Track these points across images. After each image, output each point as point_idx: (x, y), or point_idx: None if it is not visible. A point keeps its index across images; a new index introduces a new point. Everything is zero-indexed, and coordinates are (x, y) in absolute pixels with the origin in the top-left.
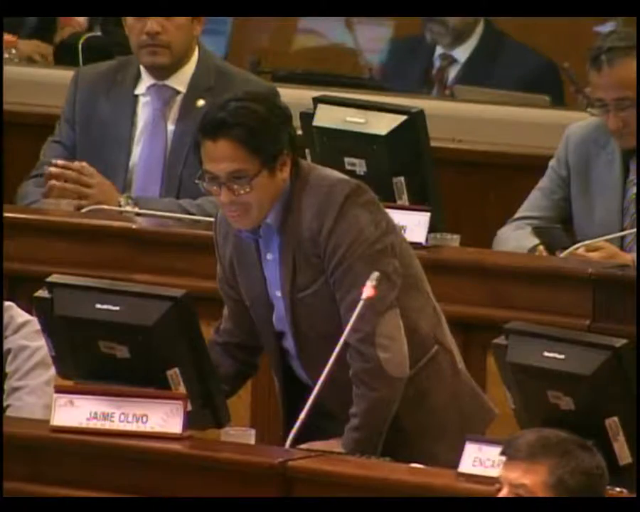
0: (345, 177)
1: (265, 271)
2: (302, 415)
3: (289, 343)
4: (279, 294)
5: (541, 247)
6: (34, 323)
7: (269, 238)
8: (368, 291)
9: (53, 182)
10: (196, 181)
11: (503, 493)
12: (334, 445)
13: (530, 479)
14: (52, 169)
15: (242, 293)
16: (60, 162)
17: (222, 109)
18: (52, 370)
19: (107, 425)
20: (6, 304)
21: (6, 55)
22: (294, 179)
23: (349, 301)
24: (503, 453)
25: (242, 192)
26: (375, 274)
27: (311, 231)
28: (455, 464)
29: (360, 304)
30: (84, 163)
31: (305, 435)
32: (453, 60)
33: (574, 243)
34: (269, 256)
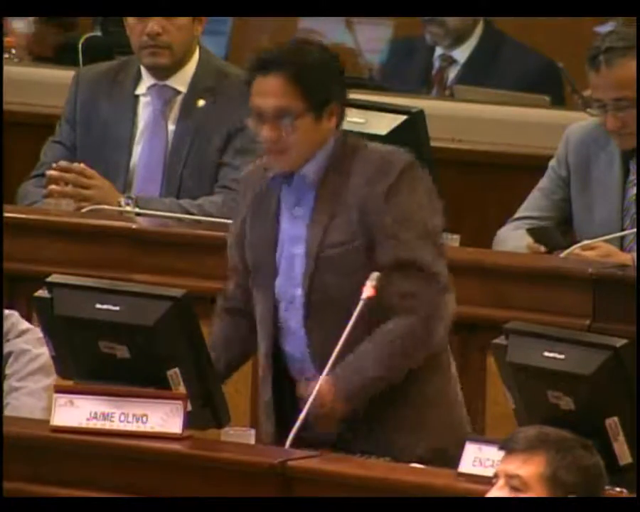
0: (402, 150)
1: (285, 226)
2: (304, 412)
3: (291, 312)
4: (299, 250)
5: (535, 245)
6: (37, 331)
7: (300, 191)
8: (367, 291)
9: (53, 187)
10: (247, 121)
11: (499, 485)
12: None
13: (525, 471)
14: (52, 173)
15: (248, 254)
16: (59, 165)
17: (279, 47)
18: (53, 378)
19: (106, 425)
20: (8, 312)
21: (6, 55)
22: (343, 142)
23: (390, 260)
24: (502, 447)
25: (284, 130)
26: (375, 274)
27: (361, 196)
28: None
29: (360, 304)
30: (82, 165)
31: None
32: (453, 61)
33: (573, 243)
34: (296, 211)
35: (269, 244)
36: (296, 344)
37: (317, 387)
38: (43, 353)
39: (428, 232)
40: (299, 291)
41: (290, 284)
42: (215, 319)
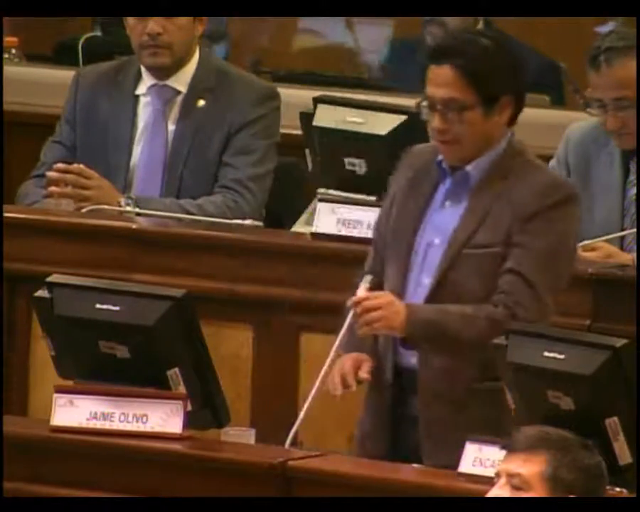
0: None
1: (432, 213)
2: (303, 411)
3: (413, 298)
4: (437, 241)
5: None
6: None
7: (458, 186)
8: (360, 293)
9: (53, 188)
10: (417, 106)
11: (500, 484)
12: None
13: (526, 469)
14: (52, 174)
15: (390, 226)
16: (59, 166)
17: (453, 37)
18: None
19: (106, 425)
20: None
21: (5, 55)
22: (509, 145)
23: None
24: (503, 447)
25: (452, 122)
26: (368, 277)
27: (521, 205)
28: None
29: (351, 313)
30: (81, 166)
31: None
32: None
33: None
34: (447, 203)
35: (413, 225)
36: None
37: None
38: None
39: (557, 268)
40: (427, 281)
41: (419, 271)
42: None
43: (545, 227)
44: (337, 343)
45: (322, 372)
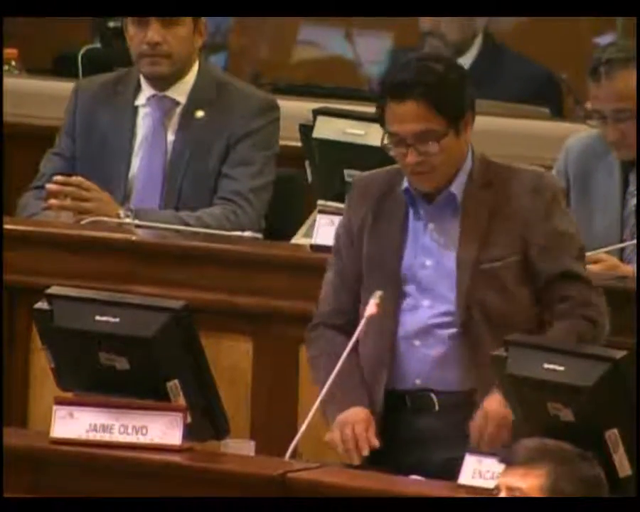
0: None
1: (415, 238)
2: (303, 427)
3: (422, 316)
4: (429, 263)
5: None
6: None
7: (443, 207)
8: (370, 309)
9: (52, 201)
10: (382, 145)
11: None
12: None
13: (526, 483)
14: (51, 186)
15: (365, 255)
16: (58, 178)
17: (405, 69)
18: None
19: (106, 437)
20: None
21: (5, 67)
22: (474, 154)
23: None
24: (502, 460)
25: (430, 153)
26: (378, 293)
27: (523, 208)
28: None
29: (362, 322)
30: (80, 178)
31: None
32: None
33: None
34: (431, 225)
35: (397, 250)
36: (413, 354)
37: (487, 408)
38: None
39: (582, 251)
40: (426, 303)
41: (415, 294)
42: (318, 342)
43: (558, 221)
44: (342, 358)
45: (325, 387)
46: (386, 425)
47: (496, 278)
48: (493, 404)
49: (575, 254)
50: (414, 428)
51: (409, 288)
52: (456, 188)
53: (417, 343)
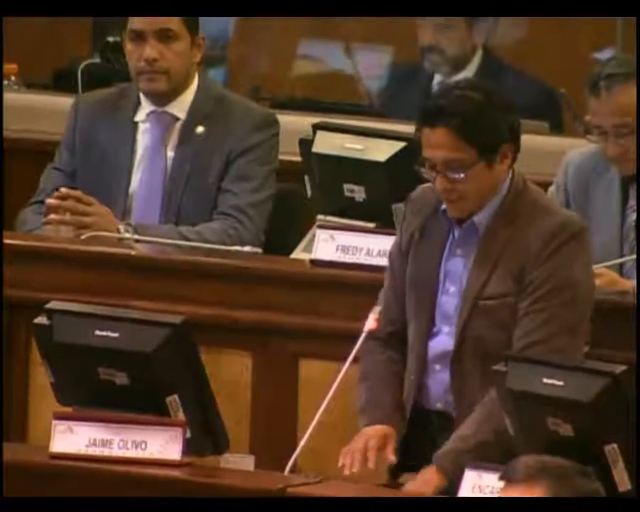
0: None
1: (445, 261)
2: (302, 441)
3: (443, 342)
4: (453, 289)
5: None
6: None
7: (467, 235)
8: (369, 324)
9: (52, 216)
10: (416, 167)
11: None
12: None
13: None
14: (51, 201)
15: (408, 272)
16: (58, 193)
17: (442, 96)
18: None
19: (105, 452)
20: None
21: (5, 82)
22: (511, 185)
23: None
24: (501, 477)
25: (456, 181)
26: (377, 308)
27: (527, 251)
28: None
29: (362, 336)
30: (80, 193)
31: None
32: None
33: None
34: (458, 250)
35: (434, 273)
36: (435, 378)
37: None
38: None
39: (577, 305)
40: (447, 329)
41: (439, 319)
42: (366, 358)
43: (556, 270)
44: (342, 371)
45: (325, 401)
46: (410, 442)
47: (494, 314)
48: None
49: (565, 298)
50: (437, 446)
51: (436, 313)
52: (482, 218)
53: (437, 367)
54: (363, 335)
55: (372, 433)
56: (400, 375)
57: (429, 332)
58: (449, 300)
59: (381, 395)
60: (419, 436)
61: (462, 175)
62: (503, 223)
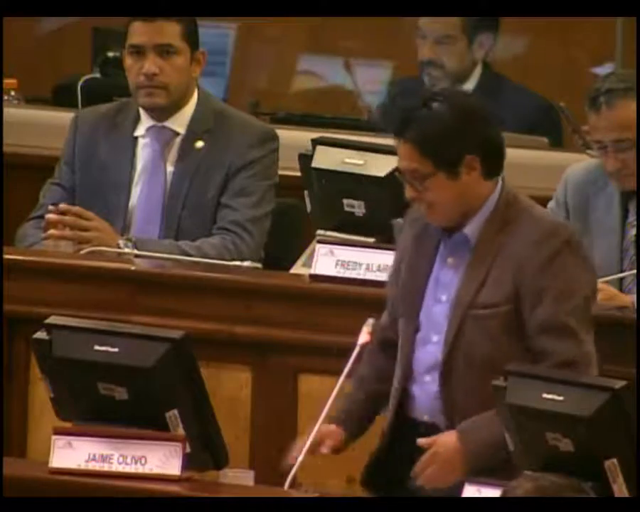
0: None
1: (437, 271)
2: (303, 451)
3: (432, 352)
4: (444, 298)
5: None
6: None
7: (458, 245)
8: (363, 337)
9: (52, 231)
10: (396, 174)
11: None
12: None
13: None
14: (51, 216)
15: (399, 287)
16: (58, 208)
17: (406, 110)
18: None
19: (105, 467)
20: None
21: (5, 98)
22: (501, 196)
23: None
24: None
25: (420, 190)
26: (370, 321)
27: (521, 258)
28: None
29: (356, 350)
30: (79, 208)
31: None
32: None
33: None
34: (450, 260)
35: (422, 282)
36: (423, 388)
37: (440, 439)
38: None
39: (583, 307)
40: (435, 338)
41: (427, 328)
42: (366, 353)
43: (557, 275)
44: (338, 384)
45: (322, 415)
46: (395, 448)
47: (484, 325)
48: (448, 443)
49: (569, 308)
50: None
51: (423, 321)
52: (471, 229)
53: (427, 378)
54: (357, 349)
55: (322, 428)
56: (379, 390)
57: (414, 340)
58: (440, 309)
59: (352, 405)
60: (403, 445)
61: (421, 185)
62: (493, 232)
